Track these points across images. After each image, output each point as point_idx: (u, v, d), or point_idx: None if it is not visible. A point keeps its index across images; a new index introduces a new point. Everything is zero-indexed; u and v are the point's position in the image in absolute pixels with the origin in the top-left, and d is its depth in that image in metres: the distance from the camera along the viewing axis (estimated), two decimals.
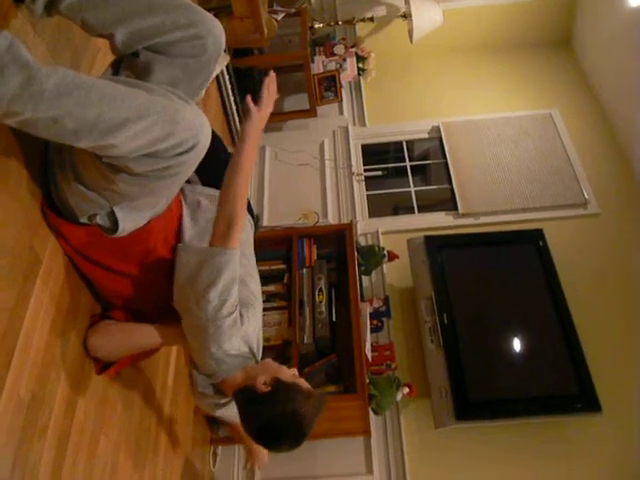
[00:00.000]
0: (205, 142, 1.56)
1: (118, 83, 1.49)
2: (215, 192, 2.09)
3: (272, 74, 1.94)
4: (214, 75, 2.95)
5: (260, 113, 1.90)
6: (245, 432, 1.91)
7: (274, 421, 1.82)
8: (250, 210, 2.32)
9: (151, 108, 1.45)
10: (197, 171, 1.75)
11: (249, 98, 1.89)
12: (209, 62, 1.78)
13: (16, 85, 1.37)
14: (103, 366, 2.13)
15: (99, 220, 1.76)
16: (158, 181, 1.60)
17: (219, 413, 2.12)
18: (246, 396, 1.90)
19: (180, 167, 1.57)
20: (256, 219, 2.39)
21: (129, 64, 1.75)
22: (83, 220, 1.78)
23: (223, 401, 2.07)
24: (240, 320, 1.91)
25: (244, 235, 2.11)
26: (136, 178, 1.56)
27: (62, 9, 1.68)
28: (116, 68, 1.78)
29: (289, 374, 1.92)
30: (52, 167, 1.77)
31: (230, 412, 2.10)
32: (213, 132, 2.07)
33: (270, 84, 1.93)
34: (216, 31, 1.73)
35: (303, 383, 1.90)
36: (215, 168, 2.05)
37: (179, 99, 1.55)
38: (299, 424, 1.83)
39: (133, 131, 1.43)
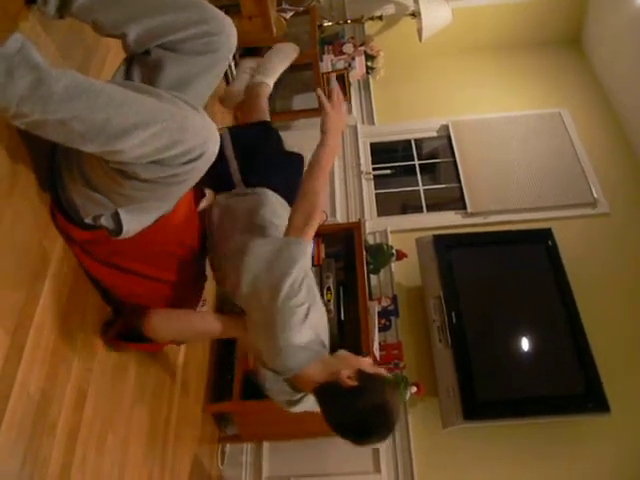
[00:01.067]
0: (213, 150, 1.55)
1: (127, 88, 1.50)
2: (245, 190, 2.14)
3: (334, 81, 1.98)
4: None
5: (334, 111, 1.97)
6: (329, 427, 1.84)
7: (365, 415, 1.78)
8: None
9: (159, 115, 1.45)
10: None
11: (320, 92, 1.95)
12: (221, 59, 1.77)
13: (26, 86, 1.38)
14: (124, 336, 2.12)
15: (103, 221, 1.76)
16: (165, 187, 1.60)
17: (295, 410, 2.02)
18: (331, 392, 1.83)
19: (187, 175, 1.56)
20: None
21: (141, 62, 1.75)
22: (88, 221, 1.78)
23: (297, 397, 1.98)
24: (310, 310, 1.86)
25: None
26: (143, 184, 1.56)
27: (74, 10, 1.69)
28: (128, 65, 1.78)
29: (370, 364, 1.89)
30: (59, 168, 1.78)
31: (305, 406, 2.01)
32: (271, 128, 2.14)
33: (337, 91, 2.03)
34: (228, 28, 1.73)
35: (384, 372, 1.90)
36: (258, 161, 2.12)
37: (188, 106, 1.53)
38: (389, 416, 1.80)
39: (141, 137, 1.43)
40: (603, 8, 5.12)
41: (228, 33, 1.73)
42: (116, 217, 1.75)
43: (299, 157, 2.50)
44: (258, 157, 2.29)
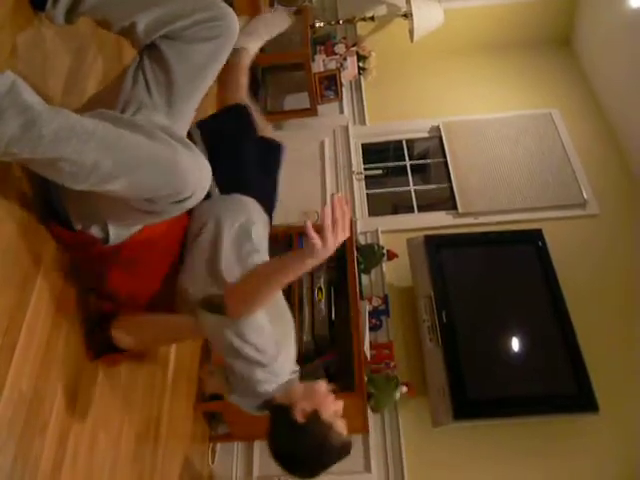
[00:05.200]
0: (200, 195, 1.57)
1: (120, 126, 1.50)
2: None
3: (335, 198, 1.62)
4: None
5: (325, 249, 1.58)
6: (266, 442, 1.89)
7: (296, 453, 1.83)
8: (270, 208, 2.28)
9: (149, 160, 1.47)
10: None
11: (309, 225, 1.57)
12: (225, 45, 1.78)
13: (15, 128, 1.38)
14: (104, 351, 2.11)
15: (93, 230, 1.78)
16: (154, 217, 1.65)
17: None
18: (280, 416, 1.87)
19: (174, 211, 1.59)
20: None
21: (150, 56, 1.75)
22: (78, 228, 1.80)
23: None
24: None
25: (263, 236, 2.11)
26: (134, 211, 1.60)
27: (83, 10, 1.72)
28: (139, 62, 1.76)
29: (331, 411, 1.85)
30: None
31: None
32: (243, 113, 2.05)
33: (336, 208, 1.60)
34: (230, 14, 1.75)
35: (339, 427, 1.85)
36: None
37: (180, 145, 1.54)
38: (317, 466, 1.84)
39: (129, 180, 1.46)
40: (593, 9, 5.15)
41: (231, 18, 1.75)
42: (105, 228, 1.78)
43: (277, 147, 2.44)
44: (232, 156, 2.17)
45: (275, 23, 2.80)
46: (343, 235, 1.61)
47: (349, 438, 1.89)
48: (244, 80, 2.52)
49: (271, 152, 2.41)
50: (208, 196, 1.79)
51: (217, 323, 1.79)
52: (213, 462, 3.54)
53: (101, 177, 1.46)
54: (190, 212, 2.06)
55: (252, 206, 2.12)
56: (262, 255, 2.00)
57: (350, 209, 1.69)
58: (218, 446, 3.63)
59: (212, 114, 2.41)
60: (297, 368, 2.02)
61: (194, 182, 1.53)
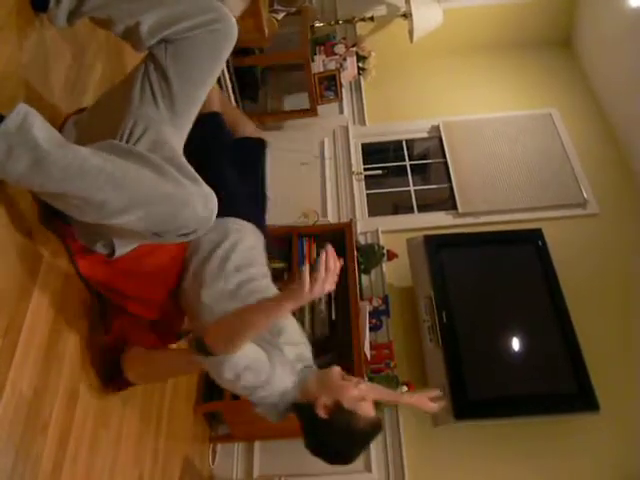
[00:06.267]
0: (206, 228, 1.62)
1: (130, 159, 1.53)
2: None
3: (329, 248, 1.66)
4: None
5: (311, 293, 1.62)
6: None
7: (329, 446, 1.91)
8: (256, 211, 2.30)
9: (158, 197, 1.51)
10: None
11: (307, 270, 1.62)
12: (225, 47, 1.80)
13: (24, 166, 1.42)
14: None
15: (98, 247, 1.83)
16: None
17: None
18: (305, 415, 1.92)
19: (180, 241, 1.65)
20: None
21: (155, 62, 1.76)
22: (82, 242, 1.85)
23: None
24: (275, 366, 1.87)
25: (255, 246, 2.14)
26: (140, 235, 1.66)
27: (86, 9, 1.74)
28: (145, 67, 1.78)
29: (352, 396, 1.86)
30: None
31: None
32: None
33: (330, 258, 1.64)
34: (229, 16, 1.77)
35: (364, 409, 1.87)
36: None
37: (189, 180, 1.57)
38: (352, 452, 1.92)
39: (136, 216, 1.50)
40: (593, 9, 5.16)
41: (229, 20, 1.77)
42: (110, 244, 1.82)
43: (256, 145, 2.40)
44: (205, 169, 1.87)
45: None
46: (330, 286, 1.65)
47: (376, 417, 1.93)
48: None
49: (250, 152, 2.39)
50: None
51: (210, 363, 1.82)
52: (214, 463, 3.54)
53: (109, 213, 1.50)
54: None
55: (230, 225, 2.11)
56: (256, 266, 2.07)
57: (340, 265, 1.68)
58: (218, 447, 3.63)
59: None
60: (310, 363, 2.06)
61: (200, 218, 1.57)
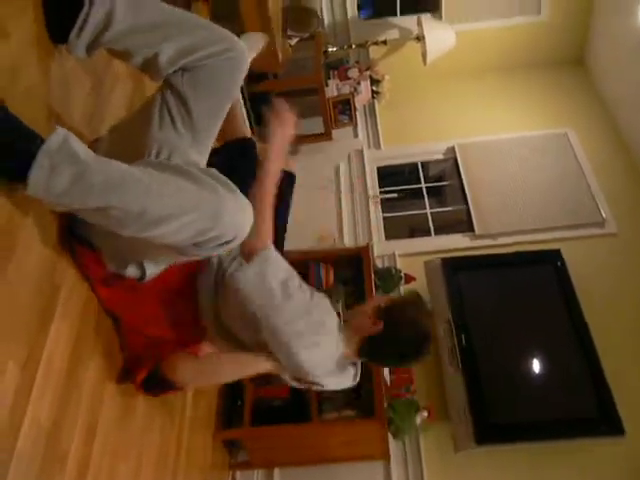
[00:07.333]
0: (243, 236, 1.62)
1: (166, 172, 1.57)
2: None
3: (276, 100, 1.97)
4: None
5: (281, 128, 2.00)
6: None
7: (408, 339, 2.01)
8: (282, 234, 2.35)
9: (195, 205, 1.52)
10: None
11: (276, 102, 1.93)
12: (240, 73, 1.85)
13: (66, 181, 1.45)
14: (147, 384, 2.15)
15: (128, 270, 1.85)
16: (193, 257, 1.72)
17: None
18: (372, 346, 2.03)
19: (217, 252, 1.66)
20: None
21: (172, 91, 1.79)
22: (110, 268, 1.86)
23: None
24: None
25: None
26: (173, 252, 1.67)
27: (106, 40, 1.75)
28: (162, 96, 1.82)
29: (375, 304, 2.07)
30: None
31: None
32: None
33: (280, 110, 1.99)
34: (240, 44, 1.82)
35: (388, 297, 2.14)
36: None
37: (225, 189, 1.59)
38: (423, 325, 2.02)
39: (175, 226, 1.51)
40: (605, 28, 5.16)
41: (241, 48, 1.81)
42: (141, 267, 1.84)
43: (285, 179, 2.41)
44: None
45: (251, 46, 2.91)
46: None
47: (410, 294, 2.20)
48: (238, 109, 2.63)
49: (279, 185, 2.44)
50: None
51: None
52: None
53: (149, 222, 1.51)
54: None
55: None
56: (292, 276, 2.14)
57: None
58: (238, 474, 3.60)
59: (215, 149, 2.40)
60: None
61: (238, 225, 1.59)
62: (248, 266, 1.99)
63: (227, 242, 1.58)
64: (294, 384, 2.07)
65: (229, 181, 1.64)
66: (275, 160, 2.07)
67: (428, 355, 2.03)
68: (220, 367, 2.07)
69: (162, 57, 1.74)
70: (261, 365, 2.02)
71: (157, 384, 2.12)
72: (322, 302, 2.14)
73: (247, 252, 1.99)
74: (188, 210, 1.51)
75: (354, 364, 2.15)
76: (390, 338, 1.99)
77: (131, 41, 1.76)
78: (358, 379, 2.18)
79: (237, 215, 1.58)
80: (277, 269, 2.04)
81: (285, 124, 2.10)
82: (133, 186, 1.49)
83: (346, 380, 2.14)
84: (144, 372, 2.11)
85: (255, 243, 1.96)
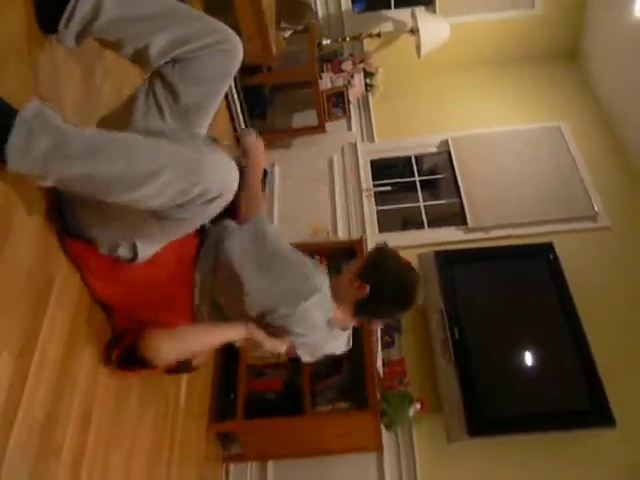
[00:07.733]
0: (228, 196, 1.60)
1: (149, 137, 1.56)
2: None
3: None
4: None
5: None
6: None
7: (398, 291, 2.06)
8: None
9: (176, 160, 1.51)
10: None
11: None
12: (233, 64, 1.84)
13: (47, 147, 1.44)
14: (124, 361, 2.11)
15: (120, 252, 1.83)
16: (184, 226, 1.73)
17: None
18: (365, 308, 2.07)
19: (204, 214, 1.65)
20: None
21: (161, 80, 1.80)
22: (102, 251, 1.83)
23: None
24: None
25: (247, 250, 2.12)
26: (171, 222, 1.64)
27: (95, 30, 1.74)
28: (149, 85, 1.83)
29: (353, 265, 2.15)
30: (71, 202, 1.80)
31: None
32: None
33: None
34: (234, 36, 1.81)
35: (372, 254, 2.18)
36: None
37: (207, 148, 1.60)
38: (409, 276, 2.12)
39: (158, 184, 1.48)
40: (599, 22, 5.17)
41: (235, 40, 1.81)
42: (133, 248, 1.82)
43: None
44: None
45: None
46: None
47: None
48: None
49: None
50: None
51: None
52: None
53: (131, 182, 1.49)
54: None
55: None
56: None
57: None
58: (231, 466, 3.60)
59: None
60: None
61: (223, 180, 1.55)
62: (243, 225, 2.12)
63: (213, 199, 1.54)
64: (274, 347, 2.06)
65: (215, 148, 1.65)
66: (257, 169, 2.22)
67: (421, 297, 2.09)
68: (193, 333, 2.05)
69: (153, 48, 1.73)
70: (237, 330, 2.00)
71: (132, 360, 2.05)
72: (318, 266, 2.25)
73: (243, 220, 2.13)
74: (169, 164, 1.49)
75: (345, 330, 2.17)
76: (379, 297, 2.03)
77: (122, 31, 1.74)
78: (351, 344, 2.23)
79: (221, 170, 1.55)
80: (273, 229, 2.16)
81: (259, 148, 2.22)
82: (113, 146, 1.50)
83: (341, 344, 2.19)
84: (120, 349, 2.09)
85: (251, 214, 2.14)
